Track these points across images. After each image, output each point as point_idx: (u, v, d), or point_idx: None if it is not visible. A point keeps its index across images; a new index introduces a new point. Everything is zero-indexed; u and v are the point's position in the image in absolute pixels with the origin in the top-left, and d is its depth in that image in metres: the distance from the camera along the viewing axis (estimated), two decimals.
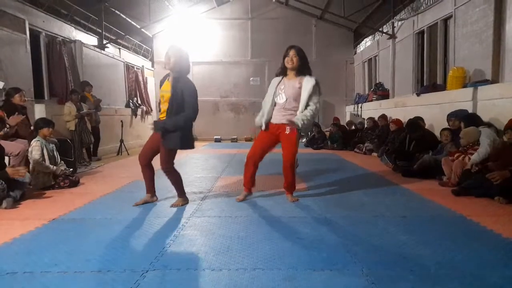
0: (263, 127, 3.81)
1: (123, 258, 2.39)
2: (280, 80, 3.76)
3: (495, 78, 5.79)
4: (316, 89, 3.64)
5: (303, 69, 3.69)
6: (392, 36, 9.82)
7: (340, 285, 2.00)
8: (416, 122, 6.30)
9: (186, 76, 3.46)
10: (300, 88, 3.64)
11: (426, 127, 6.57)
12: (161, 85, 3.59)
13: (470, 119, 5.00)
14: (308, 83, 3.62)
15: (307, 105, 3.62)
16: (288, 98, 3.67)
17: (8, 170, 3.77)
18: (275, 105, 3.75)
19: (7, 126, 4.57)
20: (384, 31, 10.35)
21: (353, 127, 10.21)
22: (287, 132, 3.69)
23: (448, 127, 5.60)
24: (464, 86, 6.17)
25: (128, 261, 2.33)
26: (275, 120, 3.75)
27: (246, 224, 3.10)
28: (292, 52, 3.66)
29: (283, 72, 3.78)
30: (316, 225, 3.06)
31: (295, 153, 3.76)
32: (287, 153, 3.74)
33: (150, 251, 2.48)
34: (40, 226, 3.05)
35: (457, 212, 3.39)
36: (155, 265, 2.24)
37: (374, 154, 7.79)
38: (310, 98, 3.61)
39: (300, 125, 3.58)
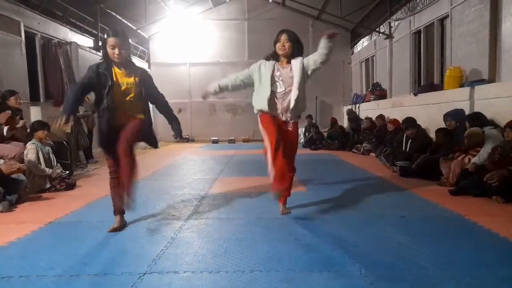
0: (266, 109, 3.31)
1: (120, 261, 2.38)
2: (274, 67, 3.31)
3: (492, 78, 5.82)
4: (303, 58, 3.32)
5: (296, 54, 3.37)
6: (389, 36, 9.84)
7: (338, 287, 1.99)
8: (413, 119, 6.29)
9: (137, 65, 3.16)
10: (293, 76, 3.28)
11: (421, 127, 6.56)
12: (95, 73, 3.14)
13: (475, 118, 4.87)
14: (296, 66, 3.28)
15: (314, 67, 3.32)
16: (287, 88, 3.30)
17: (2, 166, 3.74)
18: (271, 93, 3.28)
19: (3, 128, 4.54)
20: (381, 31, 10.37)
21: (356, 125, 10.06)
22: (290, 128, 3.37)
23: (443, 127, 5.59)
24: (461, 86, 6.18)
25: (125, 264, 2.31)
26: (282, 117, 3.34)
27: (243, 226, 3.09)
28: (283, 37, 3.28)
29: (274, 58, 3.37)
30: (314, 226, 3.05)
31: (296, 149, 3.45)
32: (289, 152, 3.37)
33: (147, 254, 2.46)
34: (36, 229, 3.03)
35: (454, 211, 3.39)
36: (152, 268, 2.23)
37: (372, 154, 7.80)
38: (307, 66, 3.32)
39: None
